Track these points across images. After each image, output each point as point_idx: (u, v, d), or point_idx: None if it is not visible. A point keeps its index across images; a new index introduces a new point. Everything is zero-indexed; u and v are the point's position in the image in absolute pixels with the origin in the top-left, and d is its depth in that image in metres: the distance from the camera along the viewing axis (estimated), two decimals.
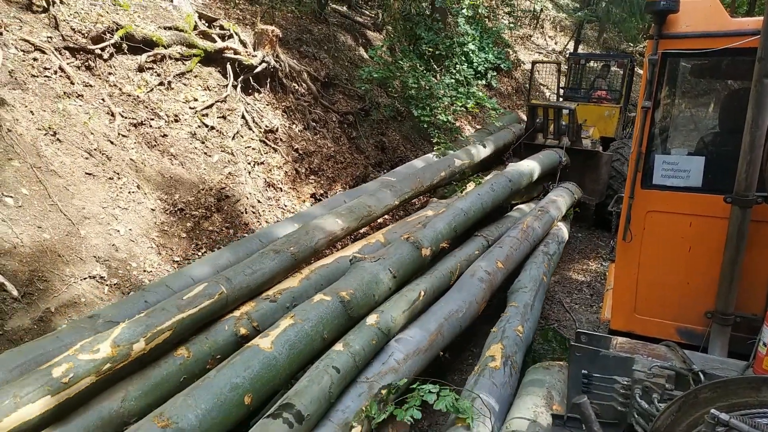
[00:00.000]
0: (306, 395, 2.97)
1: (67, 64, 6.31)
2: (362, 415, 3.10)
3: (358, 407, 3.19)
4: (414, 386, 3.28)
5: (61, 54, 6.32)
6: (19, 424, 2.57)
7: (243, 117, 7.72)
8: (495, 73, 14.26)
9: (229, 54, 7.82)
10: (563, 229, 7.43)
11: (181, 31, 7.53)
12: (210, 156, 7.07)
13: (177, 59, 7.42)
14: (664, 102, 3.59)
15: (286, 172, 7.92)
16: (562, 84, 11.83)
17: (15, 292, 4.47)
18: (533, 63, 12.19)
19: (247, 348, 3.18)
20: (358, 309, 3.76)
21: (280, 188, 7.66)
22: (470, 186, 7.65)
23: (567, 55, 13.03)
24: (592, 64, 11.97)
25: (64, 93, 6.08)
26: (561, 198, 7.64)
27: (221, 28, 8.31)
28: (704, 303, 3.29)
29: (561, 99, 11.15)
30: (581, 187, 9.29)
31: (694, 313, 3.35)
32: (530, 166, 7.49)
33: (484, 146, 8.91)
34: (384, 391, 3.25)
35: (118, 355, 2.98)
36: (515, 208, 7.85)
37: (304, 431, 2.87)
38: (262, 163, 7.69)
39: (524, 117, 14.83)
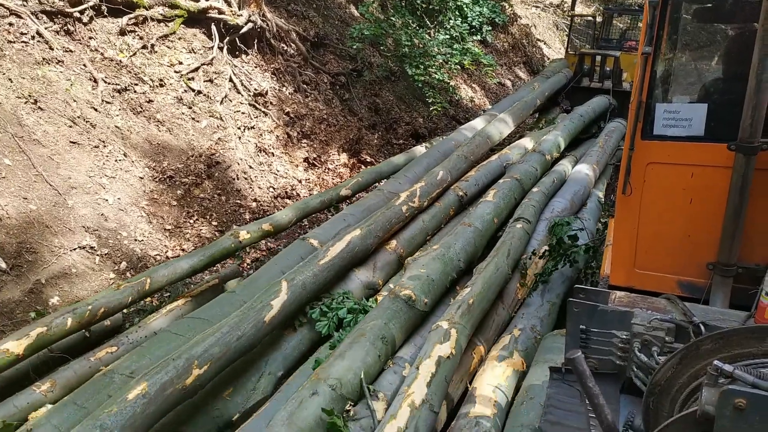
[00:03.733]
0: (526, 213, 5.43)
1: (45, 28, 6.08)
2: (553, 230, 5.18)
3: (545, 229, 5.47)
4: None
5: (38, 18, 6.07)
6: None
7: (231, 80, 7.51)
8: (490, 28, 13.86)
9: (214, 14, 7.54)
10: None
11: None
12: (198, 121, 6.90)
13: (159, 21, 7.16)
14: (665, 48, 3.42)
15: (278, 136, 7.75)
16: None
17: (3, 265, 4.40)
18: (571, 16, 13.89)
19: (481, 201, 5.70)
20: (525, 184, 6.37)
21: (272, 153, 7.51)
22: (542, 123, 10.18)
23: (602, 9, 15.14)
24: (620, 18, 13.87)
25: (44, 59, 5.87)
26: (617, 129, 9.28)
27: None
28: (706, 255, 3.21)
29: (595, 48, 12.50)
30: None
31: (696, 266, 3.28)
32: (591, 107, 9.79)
33: (545, 91, 10.48)
34: (558, 226, 5.16)
35: (418, 206, 5.44)
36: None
37: (532, 228, 5.38)
38: (253, 127, 7.52)
39: (520, 74, 14.81)
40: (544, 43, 17.31)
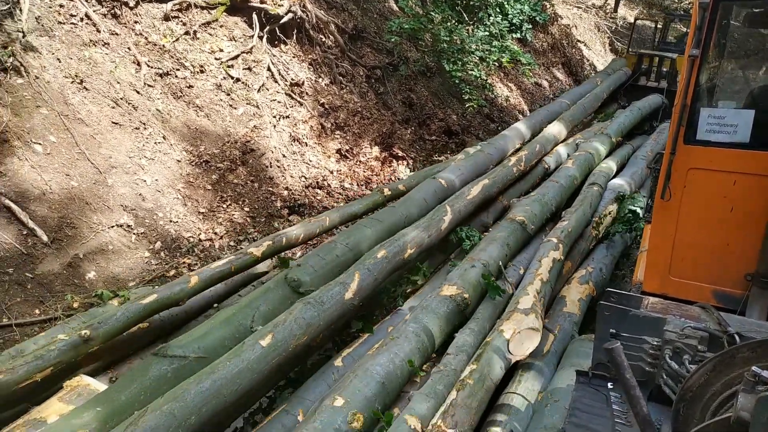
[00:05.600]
0: (599, 180, 6.86)
1: (93, 11, 6.25)
2: (615, 202, 6.55)
3: (610, 196, 6.65)
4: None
5: (87, 1, 6.25)
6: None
7: (269, 69, 7.60)
8: (530, 27, 13.67)
9: (255, 3, 7.64)
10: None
11: None
12: (235, 108, 7.01)
13: (203, 8, 7.29)
14: (713, 51, 3.34)
15: (312, 126, 7.82)
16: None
17: (45, 238, 4.56)
18: (635, 18, 15.24)
19: (563, 166, 7.24)
20: (597, 158, 7.72)
21: (305, 143, 7.58)
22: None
23: (664, 15, 16.09)
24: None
25: (91, 41, 6.04)
26: (668, 127, 10.07)
27: None
28: (744, 265, 3.13)
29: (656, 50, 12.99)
30: None
31: (733, 276, 3.20)
32: (647, 103, 10.58)
33: (610, 86, 11.35)
34: (621, 198, 6.55)
35: (523, 169, 6.90)
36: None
37: (602, 192, 6.78)
38: (288, 116, 7.60)
39: (558, 75, 14.59)
40: (585, 45, 16.97)
